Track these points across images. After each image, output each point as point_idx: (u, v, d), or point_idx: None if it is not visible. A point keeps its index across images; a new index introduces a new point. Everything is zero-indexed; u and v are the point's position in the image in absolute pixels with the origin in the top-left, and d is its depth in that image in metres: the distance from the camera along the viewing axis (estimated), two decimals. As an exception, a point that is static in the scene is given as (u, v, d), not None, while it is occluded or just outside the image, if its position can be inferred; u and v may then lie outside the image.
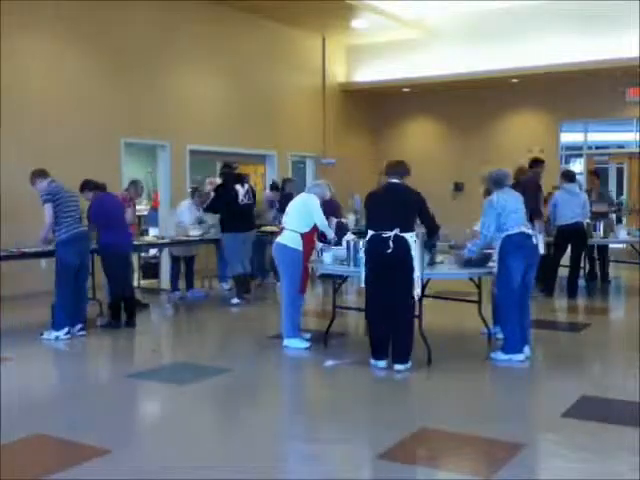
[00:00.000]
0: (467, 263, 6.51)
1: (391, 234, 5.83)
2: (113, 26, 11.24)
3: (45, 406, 5.27)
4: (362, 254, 6.06)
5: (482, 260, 6.54)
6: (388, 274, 5.91)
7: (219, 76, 13.30)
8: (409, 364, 6.01)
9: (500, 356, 6.28)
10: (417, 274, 5.91)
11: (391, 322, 5.99)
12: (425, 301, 6.35)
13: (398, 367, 5.98)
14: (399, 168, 6.18)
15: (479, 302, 6.78)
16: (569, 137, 16.16)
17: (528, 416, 5.13)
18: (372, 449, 4.27)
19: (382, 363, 6.04)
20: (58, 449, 4.36)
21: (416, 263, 5.90)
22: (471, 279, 6.77)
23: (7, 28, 9.77)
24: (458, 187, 16.22)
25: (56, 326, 7.26)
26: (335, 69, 16.18)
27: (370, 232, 5.97)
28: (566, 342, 7.33)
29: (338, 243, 6.97)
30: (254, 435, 4.61)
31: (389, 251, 5.81)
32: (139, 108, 11.65)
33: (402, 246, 5.84)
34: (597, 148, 16.46)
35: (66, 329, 7.24)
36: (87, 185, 8.00)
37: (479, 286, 6.74)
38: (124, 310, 7.90)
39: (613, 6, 12.99)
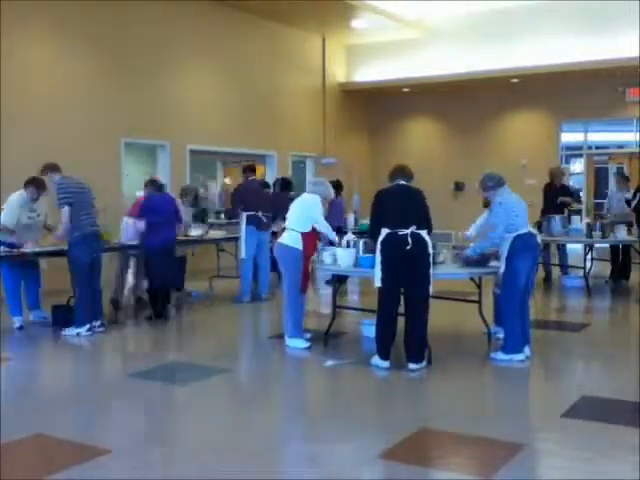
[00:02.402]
0: (467, 263, 6.52)
1: (408, 231, 5.86)
2: (113, 26, 11.24)
3: (45, 406, 5.26)
4: (377, 254, 6.01)
5: (482, 260, 6.54)
6: (406, 272, 5.92)
7: (219, 76, 13.30)
8: (424, 363, 6.03)
9: (500, 356, 6.28)
10: (432, 271, 5.96)
11: (408, 320, 6.01)
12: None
13: (413, 366, 5.97)
14: (406, 172, 6.26)
15: (479, 302, 6.78)
16: (569, 137, 16.17)
17: (528, 416, 5.13)
18: (372, 449, 4.26)
19: (387, 363, 6.04)
20: (58, 449, 4.36)
21: (431, 260, 5.96)
22: (471, 279, 6.78)
23: (7, 28, 9.77)
24: (458, 187, 16.23)
25: (77, 323, 7.41)
26: (335, 69, 16.18)
27: (385, 230, 5.95)
28: (566, 342, 7.32)
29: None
30: (254, 435, 4.61)
31: (408, 248, 5.83)
32: (139, 108, 11.65)
33: (420, 243, 5.88)
34: (597, 148, 16.47)
35: (87, 325, 7.39)
36: (149, 184, 8.65)
37: (479, 286, 6.74)
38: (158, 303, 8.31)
39: (612, 6, 13.00)
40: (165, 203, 8.50)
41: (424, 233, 5.93)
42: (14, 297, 7.92)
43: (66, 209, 7.30)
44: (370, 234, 6.28)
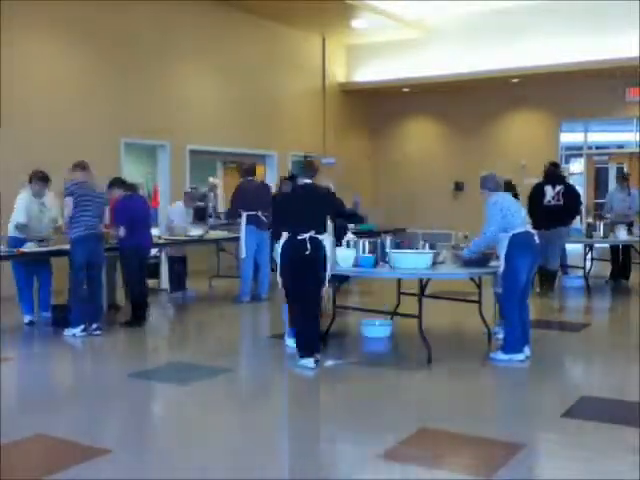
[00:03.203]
0: (467, 263, 6.53)
1: (306, 236, 6.02)
2: (113, 26, 11.24)
3: (45, 406, 5.26)
4: (278, 257, 6.23)
5: (482, 260, 6.54)
6: (302, 273, 6.11)
7: (219, 76, 13.30)
8: (315, 358, 6.09)
9: (500, 356, 6.28)
10: (328, 272, 6.16)
11: (301, 316, 6.23)
12: (425, 301, 6.36)
13: (303, 362, 6.08)
14: (310, 169, 6.41)
15: (479, 302, 6.78)
16: (569, 137, 16.16)
17: (528, 416, 5.12)
18: (372, 449, 4.26)
19: (312, 361, 6.09)
20: (58, 449, 4.36)
21: (328, 262, 6.14)
22: (471, 279, 6.78)
23: (7, 28, 9.77)
24: (459, 187, 16.21)
25: (72, 324, 7.39)
26: (335, 69, 16.18)
27: (285, 234, 6.13)
28: (566, 342, 7.33)
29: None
30: (254, 435, 4.61)
31: (307, 253, 6.01)
32: (139, 108, 11.64)
33: (317, 247, 6.05)
34: (597, 148, 16.47)
35: (82, 326, 7.36)
36: (116, 183, 8.17)
37: (479, 286, 6.74)
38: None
39: (613, 6, 12.99)
40: (139, 205, 8.22)
41: (323, 237, 6.08)
42: (24, 294, 7.99)
43: (68, 199, 7.32)
44: (273, 236, 6.64)
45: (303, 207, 6.17)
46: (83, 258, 7.41)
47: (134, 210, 8.04)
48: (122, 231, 7.85)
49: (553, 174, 9.90)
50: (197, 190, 11.04)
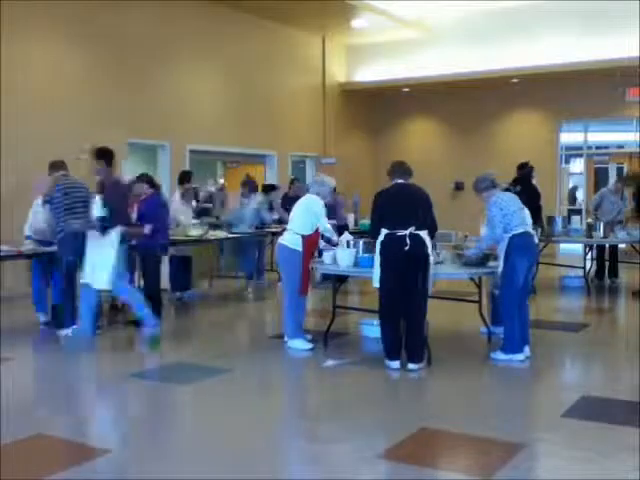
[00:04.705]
0: (467, 263, 6.53)
1: (406, 232, 5.84)
2: (113, 26, 11.24)
3: (45, 406, 5.26)
4: (377, 254, 5.99)
5: (482, 260, 6.55)
6: (405, 273, 5.90)
7: (219, 76, 13.31)
8: (423, 363, 6.03)
9: (500, 356, 6.28)
10: (432, 272, 5.97)
11: (407, 321, 5.99)
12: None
13: (412, 366, 5.96)
14: (405, 169, 6.25)
15: (479, 302, 6.78)
16: (569, 137, 16.16)
17: (528, 416, 5.13)
18: (372, 449, 4.27)
19: (397, 364, 6.01)
20: (58, 449, 4.36)
21: (431, 261, 5.96)
22: (471, 279, 6.78)
23: (8, 28, 9.77)
24: (458, 187, 16.22)
25: (66, 324, 7.35)
26: (335, 69, 16.18)
27: (384, 231, 5.93)
28: (566, 342, 7.33)
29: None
30: (254, 435, 4.61)
31: (406, 249, 5.81)
32: (139, 108, 11.65)
33: (418, 243, 5.86)
34: (597, 148, 16.47)
35: (75, 326, 7.31)
36: (147, 180, 8.17)
37: (479, 286, 6.75)
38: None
39: (613, 6, 12.99)
40: (164, 206, 8.29)
41: (423, 234, 5.91)
42: (39, 294, 7.96)
43: (46, 207, 7.29)
44: (371, 235, 6.27)
45: (402, 205, 6.01)
46: (71, 257, 7.32)
47: (162, 210, 8.10)
48: (148, 229, 7.81)
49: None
50: (197, 189, 11.01)
